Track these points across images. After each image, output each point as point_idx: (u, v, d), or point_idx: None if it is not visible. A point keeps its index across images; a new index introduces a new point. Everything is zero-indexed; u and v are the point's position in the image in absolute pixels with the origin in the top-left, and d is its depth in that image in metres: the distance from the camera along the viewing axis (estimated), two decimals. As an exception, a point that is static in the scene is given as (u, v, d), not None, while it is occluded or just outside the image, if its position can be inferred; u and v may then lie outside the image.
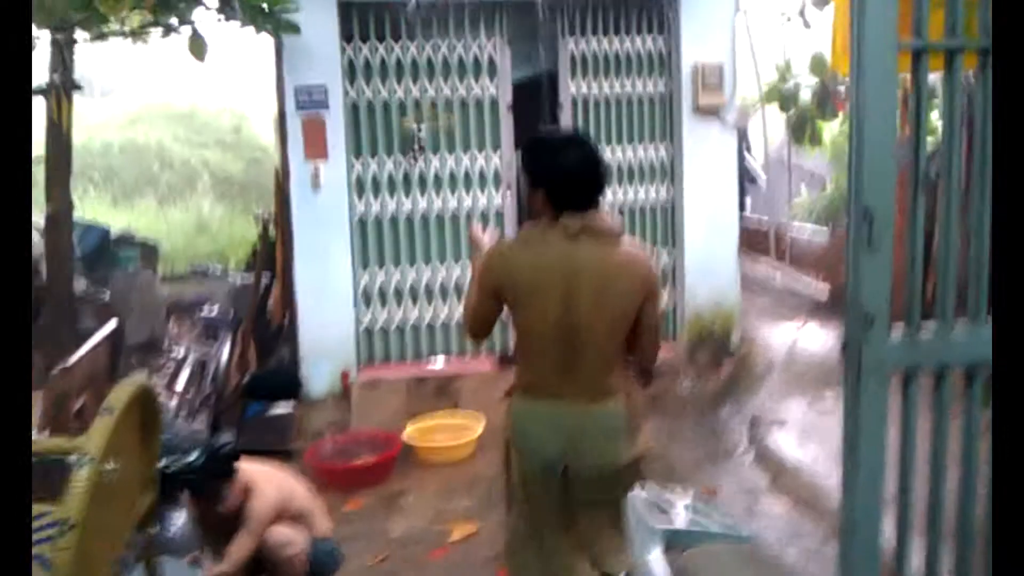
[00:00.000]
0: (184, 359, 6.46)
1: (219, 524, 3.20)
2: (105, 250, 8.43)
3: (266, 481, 3.31)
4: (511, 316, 2.68)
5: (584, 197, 2.58)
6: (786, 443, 4.94)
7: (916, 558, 2.26)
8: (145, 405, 1.66)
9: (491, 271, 2.65)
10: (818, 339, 6.65)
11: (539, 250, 2.58)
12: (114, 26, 5.87)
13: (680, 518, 1.88)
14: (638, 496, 1.96)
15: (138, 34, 6.21)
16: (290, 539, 3.30)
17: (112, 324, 6.35)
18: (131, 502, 1.66)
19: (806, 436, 4.99)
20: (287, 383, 2.62)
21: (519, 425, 2.68)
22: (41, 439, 1.95)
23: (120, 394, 1.52)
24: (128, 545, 1.58)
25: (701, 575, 1.60)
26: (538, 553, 2.70)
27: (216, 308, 6.79)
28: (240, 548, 3.19)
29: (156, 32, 5.80)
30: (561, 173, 2.58)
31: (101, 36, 5.88)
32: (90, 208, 12.80)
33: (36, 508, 1.61)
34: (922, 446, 2.23)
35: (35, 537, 1.53)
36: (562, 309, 2.53)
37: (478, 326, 2.74)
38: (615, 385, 2.63)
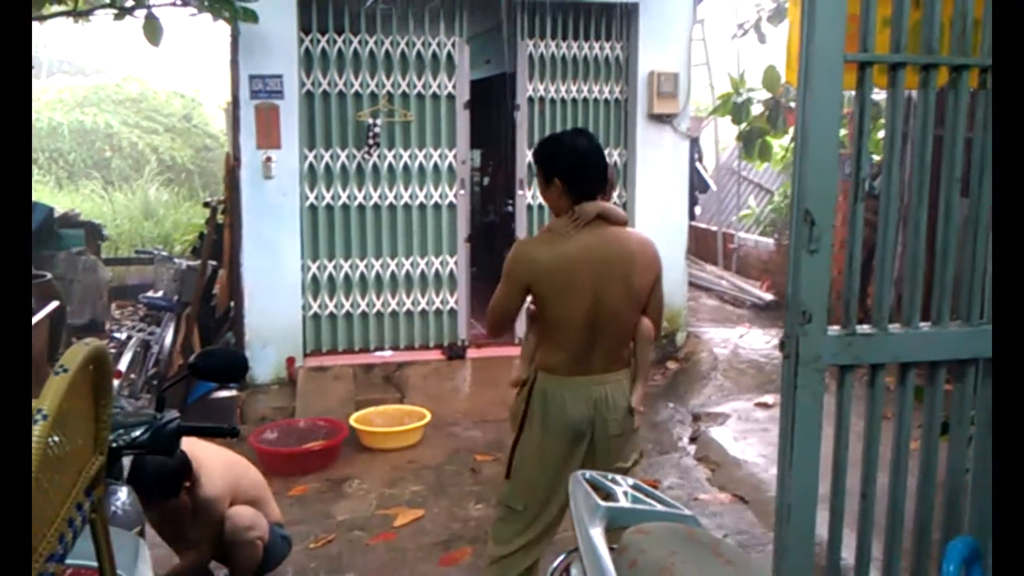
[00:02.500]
0: (127, 341, 6.36)
1: (169, 511, 3.18)
2: (48, 229, 8.24)
3: (213, 463, 3.29)
4: (539, 306, 2.82)
5: (595, 181, 2.76)
6: (726, 439, 5.06)
7: (847, 547, 2.36)
8: (98, 368, 1.66)
9: (520, 266, 2.80)
10: (760, 342, 6.81)
11: (565, 242, 2.74)
12: (66, 6, 5.76)
13: (624, 498, 1.94)
14: (583, 476, 2.02)
15: (82, 14, 6.08)
16: (253, 522, 3.30)
17: (52, 305, 6.24)
18: (81, 464, 1.66)
19: (746, 433, 5.13)
20: (235, 362, 2.61)
21: (550, 402, 2.81)
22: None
23: (75, 354, 1.52)
24: (77, 507, 1.59)
25: (643, 550, 1.65)
26: (524, 525, 2.87)
27: (160, 292, 6.70)
28: (205, 537, 3.23)
29: (106, 14, 5.69)
30: (573, 159, 2.75)
31: (44, 17, 5.76)
32: (34, 189, 12.51)
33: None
34: (856, 447, 2.32)
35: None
36: (592, 296, 2.72)
37: (503, 321, 2.93)
38: (628, 355, 2.89)
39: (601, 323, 2.75)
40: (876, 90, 2.31)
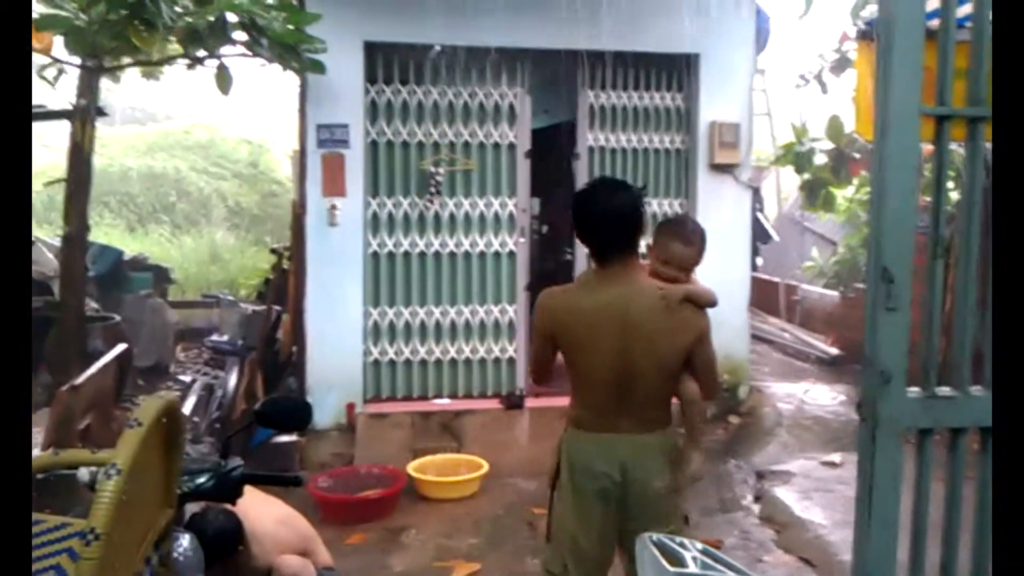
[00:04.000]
0: (191, 384, 6.47)
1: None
2: (118, 272, 8.50)
3: (264, 526, 3.28)
4: (564, 358, 2.77)
5: (612, 239, 2.66)
6: (792, 498, 4.92)
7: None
8: (170, 422, 1.67)
9: (544, 317, 2.77)
10: (826, 397, 6.64)
11: (590, 296, 2.69)
12: (142, 56, 5.99)
13: (693, 563, 1.87)
14: (650, 540, 1.96)
15: (156, 66, 6.32)
16: (300, 572, 3.28)
17: (121, 347, 6.37)
18: (151, 518, 1.66)
19: (812, 492, 4.98)
20: (299, 411, 2.63)
21: (576, 457, 2.76)
22: (63, 451, 1.96)
23: (149, 408, 1.53)
24: (146, 561, 1.59)
25: (714, 620, 1.59)
26: None
27: (225, 336, 6.81)
28: None
29: (180, 63, 5.90)
30: (588, 215, 2.69)
31: (116, 69, 5.99)
32: (105, 232, 12.91)
33: (55, 520, 1.61)
34: (937, 510, 2.23)
35: (55, 548, 1.54)
36: (615, 353, 2.63)
37: (539, 369, 2.89)
38: (664, 417, 2.76)
39: (627, 381, 2.66)
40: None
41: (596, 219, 2.67)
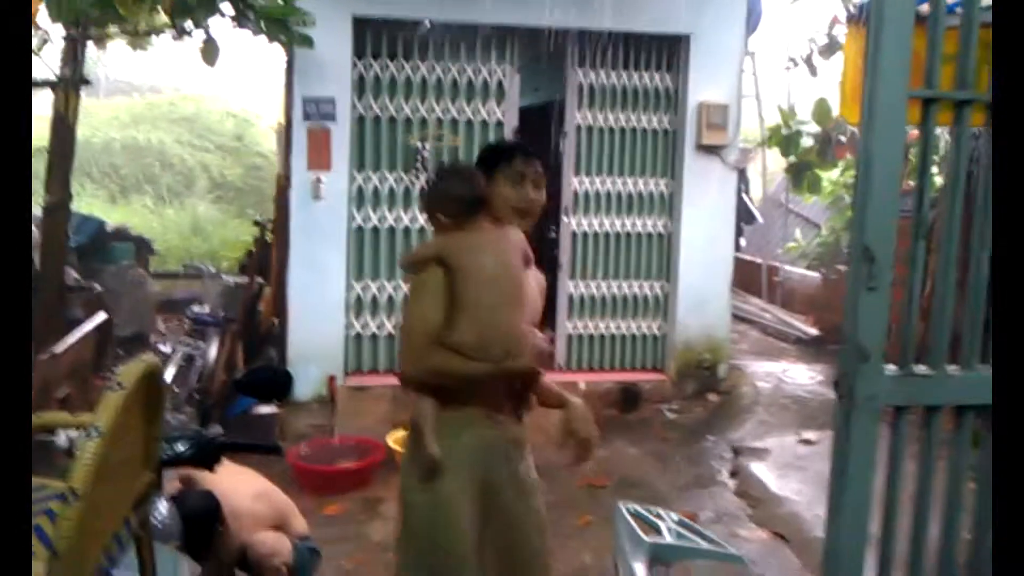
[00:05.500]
0: (171, 355, 6.43)
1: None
2: (99, 243, 8.43)
3: (241, 504, 3.28)
4: None
5: None
6: (768, 474, 4.97)
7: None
8: (151, 385, 1.67)
9: None
10: (804, 376, 6.71)
11: None
12: (128, 26, 5.92)
13: (668, 533, 1.90)
14: (626, 509, 1.99)
15: (143, 36, 6.25)
16: (275, 549, 3.29)
17: (101, 316, 6.34)
18: (131, 480, 1.67)
19: (788, 469, 5.04)
20: (280, 380, 2.63)
21: None
22: (43, 413, 1.95)
23: (131, 371, 1.53)
24: (125, 523, 1.59)
25: (688, 589, 1.62)
26: None
27: (206, 307, 6.78)
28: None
29: (166, 35, 5.83)
30: None
31: (109, 36, 5.92)
32: (87, 203, 12.79)
33: (35, 481, 1.61)
34: (909, 486, 2.26)
35: (35, 508, 1.54)
36: None
37: None
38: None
39: None
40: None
41: None
